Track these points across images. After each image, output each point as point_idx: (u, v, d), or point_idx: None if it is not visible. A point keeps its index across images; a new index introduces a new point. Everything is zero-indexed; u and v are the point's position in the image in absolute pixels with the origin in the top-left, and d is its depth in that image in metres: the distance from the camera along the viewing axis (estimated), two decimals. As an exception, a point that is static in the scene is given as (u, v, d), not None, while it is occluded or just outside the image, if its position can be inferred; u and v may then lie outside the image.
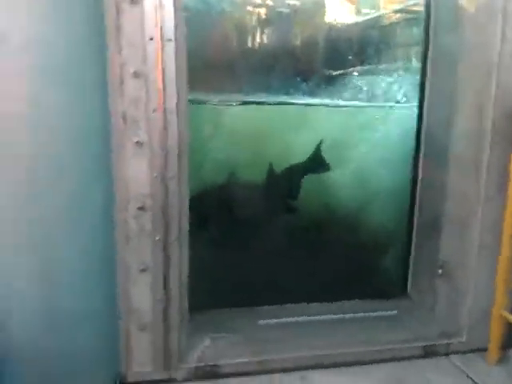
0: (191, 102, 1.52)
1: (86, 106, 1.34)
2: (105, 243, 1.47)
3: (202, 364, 1.68)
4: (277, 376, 1.71)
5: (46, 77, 1.26)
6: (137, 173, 1.45)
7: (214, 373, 1.68)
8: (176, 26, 1.37)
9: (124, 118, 1.40)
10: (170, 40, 1.37)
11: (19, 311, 1.35)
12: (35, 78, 1.25)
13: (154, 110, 1.41)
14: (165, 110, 1.42)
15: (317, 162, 2.17)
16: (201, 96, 1.90)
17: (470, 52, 1.79)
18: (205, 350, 1.73)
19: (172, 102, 1.42)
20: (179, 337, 1.62)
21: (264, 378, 1.70)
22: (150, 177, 1.46)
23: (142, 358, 1.61)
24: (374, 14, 2.16)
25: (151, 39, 1.35)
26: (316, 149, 2.17)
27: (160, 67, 1.38)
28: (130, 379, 1.62)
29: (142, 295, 1.55)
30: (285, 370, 1.73)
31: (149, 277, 1.54)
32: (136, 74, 1.37)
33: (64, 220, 1.35)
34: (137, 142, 1.42)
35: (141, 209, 1.48)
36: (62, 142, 1.31)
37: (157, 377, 1.64)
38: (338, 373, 1.74)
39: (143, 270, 1.53)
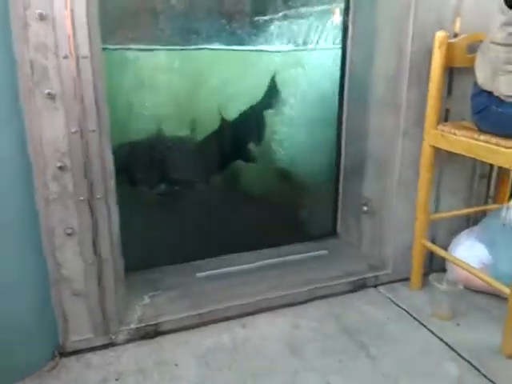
0: (110, 50, 1.39)
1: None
2: (25, 207, 1.35)
3: (143, 324, 1.64)
4: (218, 326, 1.72)
5: None
6: (52, 129, 1.33)
7: (155, 331, 1.65)
8: (84, -39, 1.23)
9: (32, 66, 1.26)
10: (77, -23, 1.23)
11: None
12: None
13: (65, 57, 1.27)
14: (77, 57, 1.29)
15: (274, 96, 2.13)
16: (121, 44, 1.77)
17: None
18: (144, 309, 1.69)
19: (84, 48, 1.29)
20: (116, 299, 1.56)
21: (206, 329, 1.70)
22: (67, 132, 1.34)
23: (79, 325, 1.54)
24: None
25: (56, -24, 1.21)
26: (271, 83, 2.11)
27: (69, 8, 1.24)
28: (69, 349, 1.55)
29: (71, 260, 1.46)
30: (226, 320, 1.74)
31: (76, 240, 1.45)
32: (42, 17, 1.23)
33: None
34: (48, 94, 1.29)
35: (60, 168, 1.36)
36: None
37: (97, 343, 1.58)
38: (277, 315, 1.79)
39: (70, 234, 1.43)
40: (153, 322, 1.65)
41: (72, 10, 1.25)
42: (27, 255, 1.39)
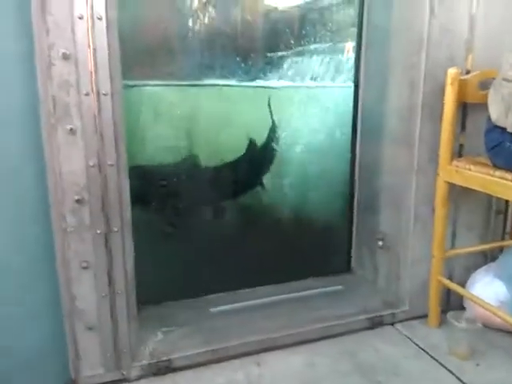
0: (128, 86, 1.44)
1: (9, 91, 1.22)
2: (41, 239, 1.37)
3: (155, 360, 1.62)
4: (232, 363, 1.69)
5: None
6: (71, 162, 1.36)
7: (167, 367, 1.63)
8: (106, 3, 1.28)
9: (54, 103, 1.30)
10: (100, 18, 1.29)
11: None
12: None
13: (87, 94, 1.32)
14: (98, 94, 1.33)
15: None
16: (138, 80, 1.83)
17: (401, 29, 1.86)
18: (157, 345, 1.67)
19: (105, 85, 1.34)
20: (129, 334, 1.55)
21: (219, 366, 1.67)
22: (85, 166, 1.37)
23: (91, 360, 1.52)
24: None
25: (80, 18, 1.27)
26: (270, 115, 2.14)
27: (91, 48, 1.29)
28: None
29: (85, 293, 1.47)
30: (239, 357, 1.72)
31: (92, 273, 1.46)
32: (65, 56, 1.28)
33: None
34: (70, 129, 1.33)
35: (78, 201, 1.39)
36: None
37: (109, 378, 1.57)
38: (292, 353, 1.76)
39: (85, 267, 1.44)
40: (165, 358, 1.63)
41: (94, 50, 1.30)
42: (41, 286, 1.40)
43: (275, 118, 2.11)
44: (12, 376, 1.34)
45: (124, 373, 1.57)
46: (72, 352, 1.50)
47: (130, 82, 1.70)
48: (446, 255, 1.90)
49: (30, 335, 1.36)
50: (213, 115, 2.00)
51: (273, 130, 2.13)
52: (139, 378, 1.60)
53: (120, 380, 1.58)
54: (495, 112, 1.62)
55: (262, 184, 2.19)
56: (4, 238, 1.28)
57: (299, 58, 2.11)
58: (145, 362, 1.60)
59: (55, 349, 1.47)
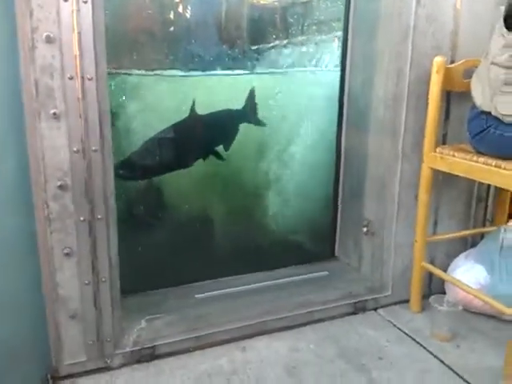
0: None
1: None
2: (23, 226, 1.33)
3: (139, 347, 1.60)
4: (217, 349, 1.69)
5: None
6: (54, 148, 1.32)
7: (151, 355, 1.62)
8: (92, -16, 1.24)
9: (37, 86, 1.26)
10: (85, 1, 1.24)
11: None
12: None
13: (71, 78, 1.28)
14: (82, 78, 1.29)
15: (251, 110, 2.13)
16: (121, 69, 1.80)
17: (387, 17, 1.84)
18: (140, 332, 1.65)
19: (90, 69, 1.30)
20: (112, 322, 1.53)
21: (204, 352, 1.67)
22: (69, 151, 1.33)
23: (73, 348, 1.50)
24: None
25: (65, 0, 1.22)
26: (248, 96, 2.11)
27: (76, 31, 1.25)
28: (63, 372, 1.51)
29: (68, 281, 1.44)
30: (224, 343, 1.72)
31: (75, 261, 1.43)
32: (49, 39, 1.23)
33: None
34: (53, 114, 1.28)
35: (61, 187, 1.35)
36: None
37: (92, 366, 1.55)
38: (276, 338, 1.77)
39: (68, 254, 1.41)
40: (149, 345, 1.62)
41: (79, 33, 1.26)
42: (23, 274, 1.37)
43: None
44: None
45: (107, 361, 1.56)
46: (54, 340, 1.47)
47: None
48: (428, 240, 1.93)
49: (12, 323, 1.33)
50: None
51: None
52: (122, 365, 1.58)
53: (103, 368, 1.56)
54: (480, 97, 1.62)
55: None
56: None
57: (290, 47, 2.10)
58: (128, 349, 1.58)
59: (37, 336, 1.44)
